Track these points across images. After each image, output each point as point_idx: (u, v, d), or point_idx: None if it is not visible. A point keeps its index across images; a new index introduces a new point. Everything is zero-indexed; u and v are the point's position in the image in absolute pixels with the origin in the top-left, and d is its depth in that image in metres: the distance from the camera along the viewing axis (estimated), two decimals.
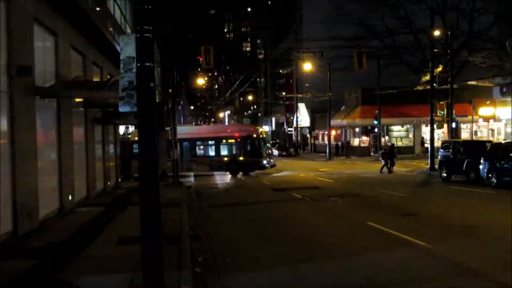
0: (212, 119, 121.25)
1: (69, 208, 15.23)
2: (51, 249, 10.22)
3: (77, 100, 16.77)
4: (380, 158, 34.10)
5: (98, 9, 18.04)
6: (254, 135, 34.84)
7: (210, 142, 36.39)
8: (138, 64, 6.92)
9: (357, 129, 53.65)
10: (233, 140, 35.51)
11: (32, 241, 10.97)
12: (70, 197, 15.44)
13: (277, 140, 71.07)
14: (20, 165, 11.24)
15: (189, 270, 8.56)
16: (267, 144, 38.92)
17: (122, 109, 7.25)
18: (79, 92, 15.56)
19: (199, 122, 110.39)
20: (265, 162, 34.54)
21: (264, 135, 36.91)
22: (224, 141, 35.75)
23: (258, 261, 9.92)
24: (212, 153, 36.12)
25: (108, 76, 20.90)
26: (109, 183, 22.44)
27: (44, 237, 11.37)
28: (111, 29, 19.84)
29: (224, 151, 35.61)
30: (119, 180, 25.57)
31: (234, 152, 35.02)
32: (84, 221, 13.77)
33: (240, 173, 34.22)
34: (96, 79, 19.79)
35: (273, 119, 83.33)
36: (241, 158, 34.25)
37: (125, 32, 23.19)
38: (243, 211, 17.52)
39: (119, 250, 9.97)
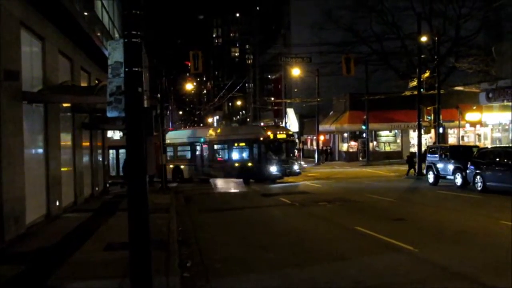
0: (201, 124, 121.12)
1: (57, 214, 15.13)
2: (38, 255, 10.14)
3: (65, 105, 16.68)
4: (406, 161, 33.65)
5: (86, 13, 17.99)
6: (261, 138, 30.43)
7: (224, 146, 33.47)
8: (126, 69, 6.91)
9: (345, 134, 53.86)
10: (243, 144, 32.02)
11: (19, 247, 10.88)
12: (57, 203, 15.33)
13: None
14: (7, 171, 11.15)
15: (178, 275, 8.55)
16: (294, 148, 33.17)
17: (110, 114, 7.22)
18: (67, 97, 15.47)
19: (188, 127, 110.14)
20: (273, 170, 29.94)
21: (283, 138, 31.24)
22: (236, 144, 32.43)
23: (247, 266, 9.92)
24: (226, 158, 33.20)
25: (96, 81, 20.83)
26: (97, 189, 22.32)
27: (31, 243, 11.28)
28: (99, 33, 19.79)
29: (236, 156, 32.44)
30: (107, 185, 25.44)
31: (244, 157, 31.78)
32: (72, 227, 13.69)
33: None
34: (84, 84, 19.71)
35: (262, 124, 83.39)
36: (249, 165, 30.89)
37: (113, 37, 23.15)
38: (231, 216, 17.49)
39: (107, 256, 9.92)
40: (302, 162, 45.06)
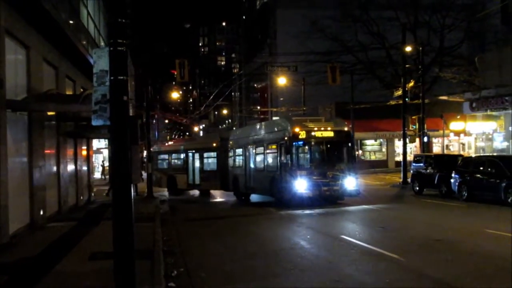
0: (187, 133, 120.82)
1: (40, 223, 14.96)
2: (21, 265, 10.02)
3: (49, 113, 16.55)
4: None
5: (71, 22, 17.91)
6: (285, 138, 20.60)
7: (258, 150, 23.75)
8: (111, 78, 6.88)
9: None
10: (274, 146, 21.89)
11: (2, 257, 10.73)
12: (41, 212, 15.17)
13: None
14: None
15: (163, 285, 8.48)
16: (351, 152, 21.85)
17: (95, 122, 7.19)
18: (52, 105, 15.37)
19: (174, 136, 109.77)
20: (299, 187, 19.92)
21: (326, 136, 20.73)
22: (270, 146, 22.48)
23: (232, 276, 9.87)
24: (261, 165, 23.40)
25: (81, 89, 20.71)
26: (81, 198, 22.13)
27: (14, 253, 11.14)
28: (84, 42, 19.70)
29: (269, 163, 22.65)
30: (92, 194, 25.23)
31: (275, 164, 21.92)
32: (56, 236, 13.55)
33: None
34: (69, 92, 19.59)
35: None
36: (278, 175, 21.30)
37: (99, 45, 23.05)
38: (217, 226, 17.42)
39: (91, 266, 9.82)
40: None
